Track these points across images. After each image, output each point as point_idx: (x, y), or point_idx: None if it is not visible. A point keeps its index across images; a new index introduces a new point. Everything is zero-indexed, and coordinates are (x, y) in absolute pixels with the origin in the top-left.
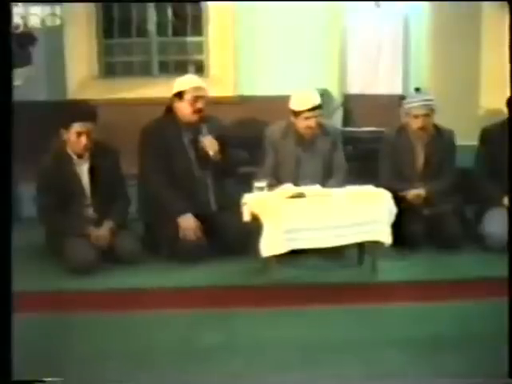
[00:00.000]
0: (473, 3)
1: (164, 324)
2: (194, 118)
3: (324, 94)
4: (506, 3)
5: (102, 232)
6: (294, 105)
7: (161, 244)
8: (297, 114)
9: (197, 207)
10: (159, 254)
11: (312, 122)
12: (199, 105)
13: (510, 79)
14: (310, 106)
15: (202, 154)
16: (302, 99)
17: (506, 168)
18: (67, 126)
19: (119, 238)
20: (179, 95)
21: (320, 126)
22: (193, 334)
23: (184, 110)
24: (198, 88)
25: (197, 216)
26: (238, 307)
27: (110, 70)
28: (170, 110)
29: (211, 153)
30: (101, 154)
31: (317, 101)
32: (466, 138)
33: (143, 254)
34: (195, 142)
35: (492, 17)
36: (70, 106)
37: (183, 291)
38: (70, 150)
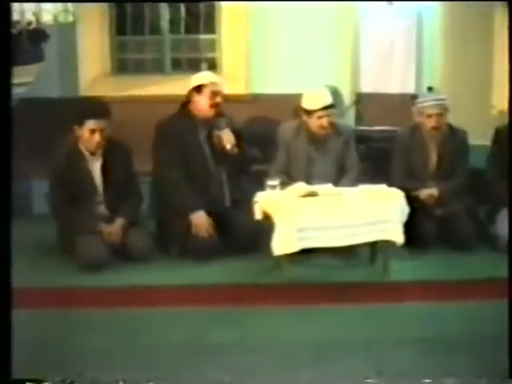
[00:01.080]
0: (486, 2)
1: (175, 321)
2: (211, 112)
3: (333, 93)
4: None
5: (114, 229)
6: (307, 104)
7: (173, 241)
8: (309, 113)
9: (211, 203)
10: (171, 251)
11: (325, 122)
12: (217, 99)
13: (510, 79)
14: (322, 105)
15: (217, 150)
16: (315, 98)
17: None
18: (80, 123)
19: (131, 235)
20: (198, 89)
21: (332, 125)
22: (204, 331)
23: (202, 104)
24: (215, 83)
25: (210, 213)
26: (249, 305)
27: (122, 67)
28: (185, 106)
29: (228, 146)
30: (113, 151)
31: (329, 100)
32: (479, 137)
33: (155, 251)
34: (211, 138)
35: (505, 16)
36: (84, 103)
37: (195, 289)
38: (82, 147)
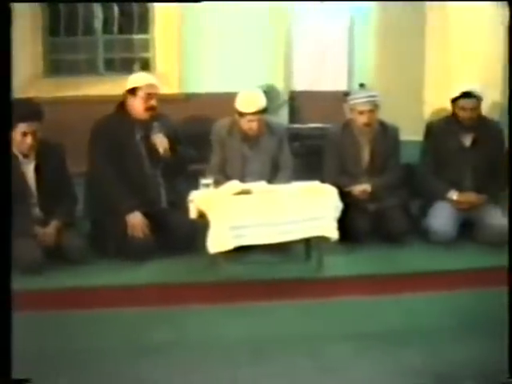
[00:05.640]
0: (417, 3)
1: (112, 322)
2: (146, 115)
3: (270, 90)
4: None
5: (49, 231)
6: (239, 106)
7: (109, 242)
8: (241, 114)
9: (147, 204)
10: (107, 252)
11: (254, 125)
12: (152, 102)
13: (510, 79)
14: (253, 110)
15: (153, 152)
16: (247, 101)
17: (449, 163)
18: (12, 126)
19: (66, 236)
20: (132, 91)
21: (266, 124)
22: (142, 331)
23: (137, 106)
24: (151, 85)
25: (147, 213)
26: (186, 304)
27: (55, 68)
28: (121, 107)
29: (161, 151)
30: (47, 154)
31: (261, 104)
32: (411, 133)
33: (91, 252)
34: (147, 140)
35: (436, 17)
36: (15, 106)
37: (132, 289)
38: (15, 150)
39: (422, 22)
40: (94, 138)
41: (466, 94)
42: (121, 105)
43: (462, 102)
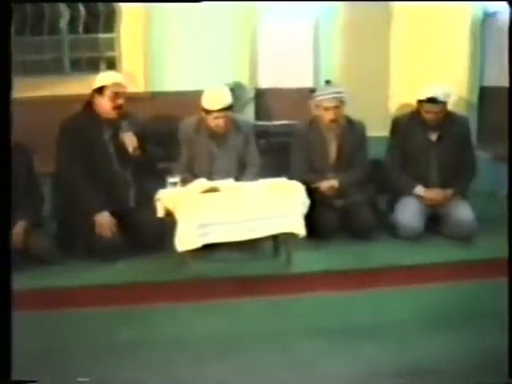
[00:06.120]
0: (382, 2)
1: (81, 322)
2: (114, 114)
3: (236, 88)
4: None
5: (16, 231)
6: (205, 103)
7: (77, 242)
8: (207, 111)
9: (115, 204)
10: (75, 252)
11: (221, 122)
12: (119, 101)
13: (510, 79)
14: (219, 107)
15: (121, 151)
16: (213, 99)
17: (415, 158)
18: None
19: (34, 237)
20: (99, 90)
21: (232, 121)
22: (110, 331)
23: (104, 105)
24: (118, 84)
25: (115, 213)
26: (155, 303)
27: (22, 68)
28: (89, 106)
29: (130, 149)
30: (14, 154)
31: (227, 101)
32: (378, 129)
33: (59, 252)
34: (115, 138)
35: (401, 14)
36: None
37: (100, 288)
38: None
39: (387, 19)
40: (62, 137)
41: (431, 100)
42: (88, 104)
43: (427, 107)
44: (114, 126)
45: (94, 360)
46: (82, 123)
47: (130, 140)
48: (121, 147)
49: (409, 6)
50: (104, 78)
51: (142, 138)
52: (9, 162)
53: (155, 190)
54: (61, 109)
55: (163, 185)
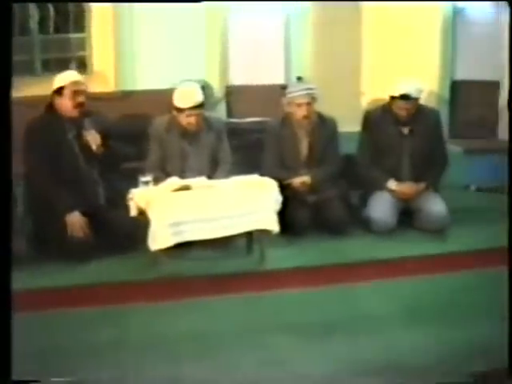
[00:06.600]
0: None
1: (56, 323)
2: (76, 112)
3: (205, 86)
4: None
5: None
6: (177, 101)
7: (49, 243)
8: (179, 110)
9: (85, 203)
10: (49, 253)
11: (193, 120)
12: (79, 99)
13: (510, 78)
14: (191, 105)
15: (86, 149)
16: (185, 97)
17: (387, 151)
18: None
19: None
20: (59, 91)
21: (204, 119)
22: (85, 331)
23: (65, 105)
24: (76, 82)
25: (86, 213)
26: (129, 303)
27: None
28: (50, 107)
29: (94, 147)
30: None
31: (199, 99)
32: (350, 125)
33: (33, 254)
34: (79, 137)
35: (372, 10)
36: None
37: (74, 289)
38: None
39: (358, 15)
40: (27, 138)
41: (404, 96)
42: (49, 105)
43: (400, 103)
44: (77, 124)
45: (67, 362)
46: (46, 124)
47: (92, 138)
48: (85, 146)
49: (379, 4)
50: (62, 78)
51: (105, 135)
52: (9, 162)
53: (126, 188)
54: (32, 110)
55: (134, 184)
